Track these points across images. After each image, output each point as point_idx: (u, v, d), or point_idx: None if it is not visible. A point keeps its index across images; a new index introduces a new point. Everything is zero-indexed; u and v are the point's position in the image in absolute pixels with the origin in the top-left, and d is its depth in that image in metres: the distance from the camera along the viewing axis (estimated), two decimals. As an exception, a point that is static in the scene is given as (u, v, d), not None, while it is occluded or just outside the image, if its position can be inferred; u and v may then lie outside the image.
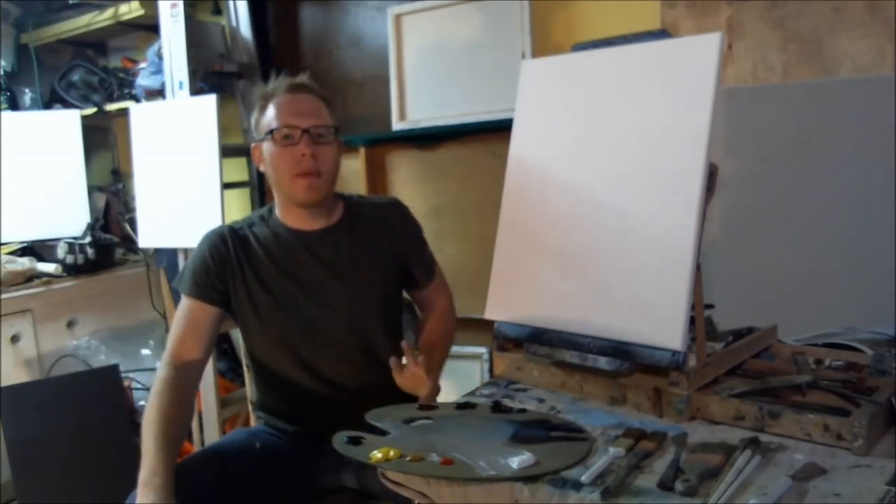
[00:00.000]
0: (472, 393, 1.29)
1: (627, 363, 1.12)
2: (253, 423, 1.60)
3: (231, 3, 2.64)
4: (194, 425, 2.31)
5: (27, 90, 2.93)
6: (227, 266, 1.38)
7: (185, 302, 1.38)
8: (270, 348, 1.41)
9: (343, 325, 1.40)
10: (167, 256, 2.65)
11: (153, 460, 1.14)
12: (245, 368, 1.59)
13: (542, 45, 2.10)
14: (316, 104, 1.39)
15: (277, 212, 1.45)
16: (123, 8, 2.67)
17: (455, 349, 2.29)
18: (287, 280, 1.39)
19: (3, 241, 2.62)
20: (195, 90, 2.35)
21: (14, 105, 2.90)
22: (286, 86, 1.39)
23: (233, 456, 1.35)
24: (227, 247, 1.39)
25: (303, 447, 1.40)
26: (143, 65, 2.64)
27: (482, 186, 2.22)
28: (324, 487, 1.41)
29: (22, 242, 2.66)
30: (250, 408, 1.60)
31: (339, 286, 1.41)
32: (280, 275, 1.39)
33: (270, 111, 1.37)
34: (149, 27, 2.68)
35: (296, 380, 1.41)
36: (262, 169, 1.43)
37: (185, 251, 2.33)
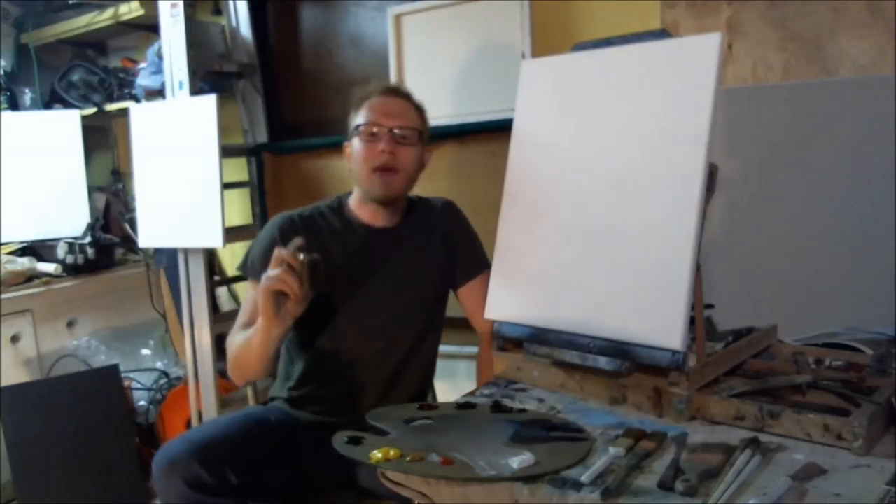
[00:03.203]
0: (472, 393, 1.29)
1: (627, 363, 1.12)
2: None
3: (231, 3, 2.64)
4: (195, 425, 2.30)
5: (27, 90, 2.93)
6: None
7: (252, 288, 1.41)
8: (319, 334, 1.43)
9: (393, 321, 1.43)
10: (167, 256, 2.66)
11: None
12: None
13: (542, 45, 2.09)
14: (406, 107, 1.44)
15: (351, 204, 1.49)
16: (123, 8, 2.67)
17: (455, 349, 2.31)
18: (349, 271, 1.42)
19: (3, 241, 2.62)
20: (195, 90, 2.35)
21: (14, 105, 2.90)
22: (382, 88, 1.47)
23: (248, 437, 1.35)
24: (295, 228, 1.42)
25: (313, 439, 1.40)
26: (143, 65, 2.64)
27: (482, 186, 2.21)
28: (324, 486, 1.41)
29: (22, 242, 2.66)
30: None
31: (397, 284, 1.44)
32: (343, 265, 1.42)
33: (363, 111, 1.43)
34: (149, 27, 2.68)
35: (334, 369, 1.43)
36: (349, 165, 1.46)
37: (185, 251, 2.33)
